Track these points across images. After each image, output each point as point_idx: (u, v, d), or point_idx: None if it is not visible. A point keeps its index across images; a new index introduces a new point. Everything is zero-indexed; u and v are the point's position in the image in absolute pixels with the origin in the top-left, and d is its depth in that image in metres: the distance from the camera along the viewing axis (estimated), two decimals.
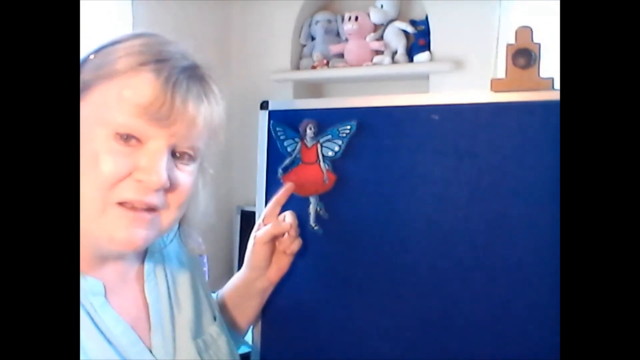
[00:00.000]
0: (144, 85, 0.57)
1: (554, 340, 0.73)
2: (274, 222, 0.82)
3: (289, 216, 0.84)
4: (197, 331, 0.72)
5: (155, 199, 0.59)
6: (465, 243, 0.84)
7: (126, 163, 0.57)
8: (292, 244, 0.83)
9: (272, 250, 0.83)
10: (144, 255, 0.71)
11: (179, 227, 0.71)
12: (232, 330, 0.85)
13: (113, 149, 0.56)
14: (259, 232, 0.82)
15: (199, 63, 0.63)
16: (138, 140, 0.58)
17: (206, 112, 0.61)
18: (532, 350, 0.79)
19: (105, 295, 0.63)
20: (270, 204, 0.88)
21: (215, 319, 0.78)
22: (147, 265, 0.70)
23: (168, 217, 0.62)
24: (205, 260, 1.50)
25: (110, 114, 0.56)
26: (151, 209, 0.60)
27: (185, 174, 0.62)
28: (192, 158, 0.63)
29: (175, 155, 0.61)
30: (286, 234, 0.82)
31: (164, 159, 0.58)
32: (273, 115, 0.98)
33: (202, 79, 0.62)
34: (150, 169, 0.57)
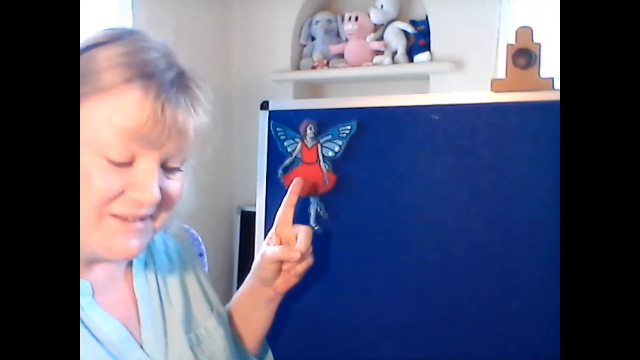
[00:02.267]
0: (133, 107, 0.55)
1: (553, 339, 0.72)
2: (282, 248, 0.80)
3: (302, 239, 0.80)
4: (190, 325, 0.72)
5: (148, 211, 0.60)
6: (465, 242, 0.84)
7: (119, 181, 0.57)
8: (298, 266, 0.81)
9: (280, 267, 0.82)
10: None
11: None
12: (240, 344, 0.83)
13: (104, 167, 0.56)
14: (268, 251, 0.81)
15: (183, 69, 0.62)
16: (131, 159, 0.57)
17: (196, 124, 0.60)
18: (531, 349, 0.79)
19: (92, 296, 0.63)
20: (282, 208, 0.85)
21: (212, 310, 0.77)
22: (136, 263, 0.71)
23: (160, 221, 0.63)
24: (205, 260, 1.51)
25: (99, 138, 0.55)
26: (144, 218, 0.60)
27: (175, 182, 0.62)
28: (181, 164, 0.63)
29: (165, 165, 0.61)
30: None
31: (156, 175, 0.58)
32: (273, 115, 0.98)
33: (188, 87, 0.61)
34: (144, 188, 0.57)
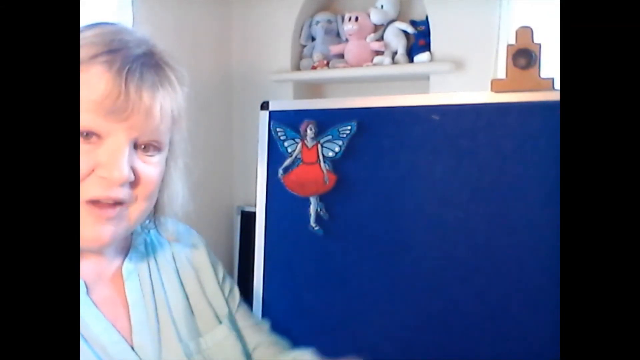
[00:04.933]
0: (96, 79, 0.56)
1: (553, 339, 0.73)
2: None
3: None
4: (189, 332, 0.71)
5: (120, 193, 0.59)
6: (465, 243, 0.84)
7: (87, 161, 0.56)
8: None
9: None
10: (125, 253, 0.70)
11: (154, 217, 0.70)
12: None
13: None
14: None
15: (155, 50, 0.61)
16: (98, 136, 0.57)
17: (163, 100, 0.60)
18: (531, 349, 0.79)
19: (87, 293, 0.62)
20: None
21: (220, 319, 0.76)
22: (128, 264, 0.69)
23: (136, 210, 0.62)
24: None
25: None
26: (118, 203, 0.59)
27: (150, 166, 0.61)
28: (156, 149, 0.62)
29: (138, 147, 0.60)
30: None
31: (125, 153, 0.57)
32: (273, 115, 0.98)
33: (158, 66, 0.61)
34: (112, 165, 0.57)
